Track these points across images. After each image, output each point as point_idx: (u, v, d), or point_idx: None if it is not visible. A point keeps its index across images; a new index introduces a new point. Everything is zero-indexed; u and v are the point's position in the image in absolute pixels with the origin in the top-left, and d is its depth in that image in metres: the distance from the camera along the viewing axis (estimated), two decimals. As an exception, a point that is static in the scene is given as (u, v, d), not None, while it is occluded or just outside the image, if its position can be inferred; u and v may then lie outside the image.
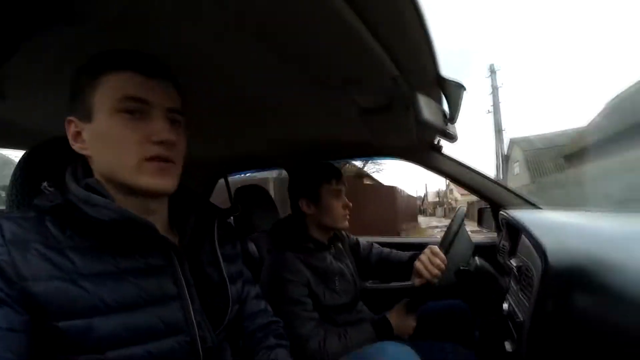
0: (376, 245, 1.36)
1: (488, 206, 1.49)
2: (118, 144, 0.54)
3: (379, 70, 0.73)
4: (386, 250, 1.33)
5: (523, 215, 1.10)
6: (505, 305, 0.95)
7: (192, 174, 0.64)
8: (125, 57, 0.56)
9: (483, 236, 1.86)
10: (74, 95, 0.56)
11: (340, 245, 1.24)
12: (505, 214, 1.26)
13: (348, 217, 1.15)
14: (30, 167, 0.65)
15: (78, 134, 0.57)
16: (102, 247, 0.52)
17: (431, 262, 0.99)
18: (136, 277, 0.54)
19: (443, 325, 1.27)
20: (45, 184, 0.55)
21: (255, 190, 1.60)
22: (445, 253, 1.01)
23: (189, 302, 0.58)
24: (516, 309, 0.86)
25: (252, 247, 1.33)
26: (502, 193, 1.39)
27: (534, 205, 1.33)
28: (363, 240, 1.38)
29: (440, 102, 0.84)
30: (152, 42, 0.60)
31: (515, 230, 1.10)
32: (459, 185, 1.46)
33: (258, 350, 0.74)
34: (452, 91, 0.80)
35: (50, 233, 0.50)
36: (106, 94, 0.54)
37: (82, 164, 0.58)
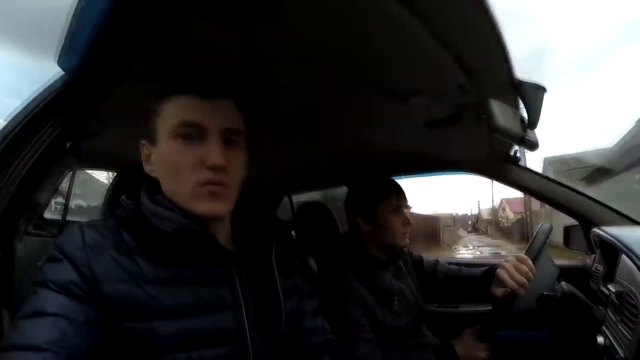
0: (442, 262, 1.26)
1: (577, 224, 1.32)
2: (175, 169, 0.57)
3: (445, 79, 0.69)
4: (454, 267, 1.22)
5: (623, 233, 0.95)
6: (600, 339, 0.81)
7: (255, 193, 0.66)
8: (185, 80, 0.59)
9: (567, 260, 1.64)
10: (146, 120, 0.61)
11: (400, 263, 1.17)
12: (600, 232, 1.09)
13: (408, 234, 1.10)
14: (119, 185, 0.74)
15: (148, 156, 0.61)
16: (166, 255, 0.56)
17: (517, 270, 0.89)
18: (195, 285, 0.56)
19: (523, 359, 1.13)
20: (123, 197, 0.61)
21: (318, 208, 1.62)
22: (533, 261, 0.91)
23: (244, 312, 0.59)
24: (615, 344, 0.73)
25: (312, 263, 1.32)
26: (595, 208, 1.21)
27: (634, 221, 1.14)
28: (428, 257, 1.29)
29: (517, 108, 0.77)
30: (214, 62, 0.64)
31: (612, 251, 0.95)
32: (542, 201, 1.31)
33: None
34: (531, 94, 0.72)
35: (124, 240, 0.54)
36: (166, 119, 0.58)
37: (156, 181, 0.62)
